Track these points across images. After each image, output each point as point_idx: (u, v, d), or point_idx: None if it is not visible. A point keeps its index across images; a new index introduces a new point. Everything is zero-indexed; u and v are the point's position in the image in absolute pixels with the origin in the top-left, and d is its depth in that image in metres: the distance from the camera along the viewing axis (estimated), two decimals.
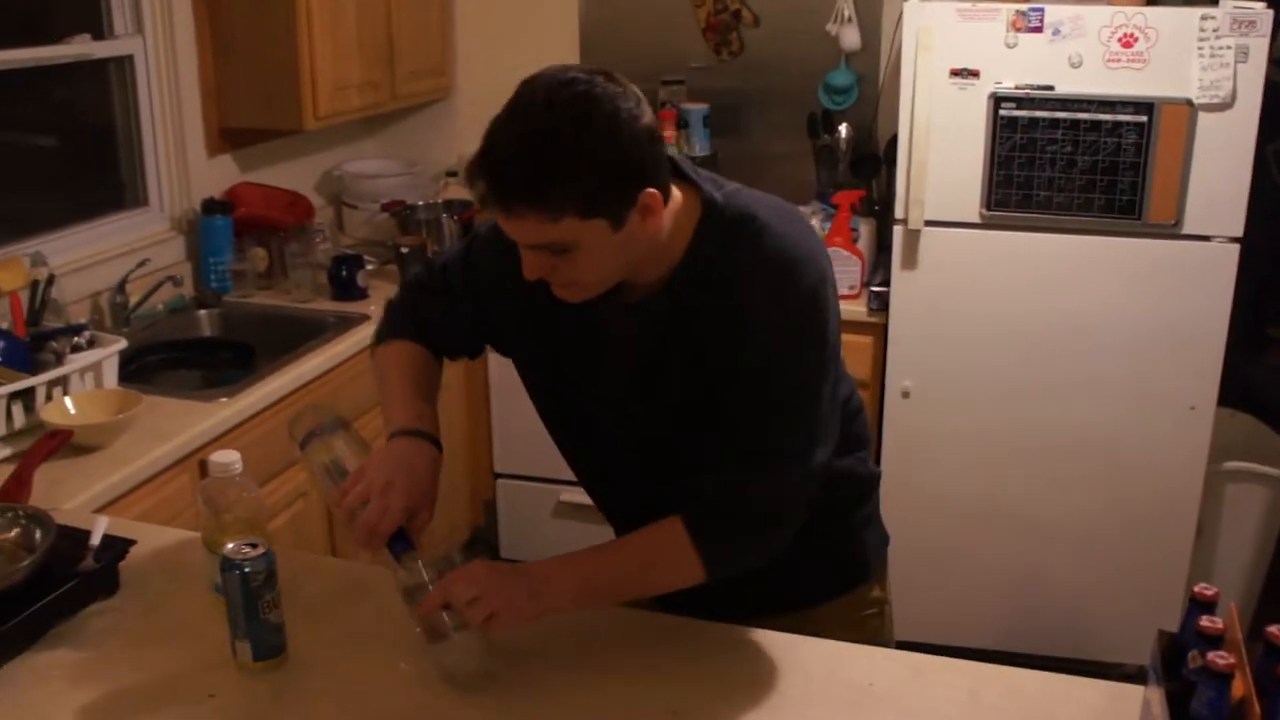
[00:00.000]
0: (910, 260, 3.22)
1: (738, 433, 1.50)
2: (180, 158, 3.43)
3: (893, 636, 1.85)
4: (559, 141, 1.33)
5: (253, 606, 1.50)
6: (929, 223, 3.17)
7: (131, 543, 1.76)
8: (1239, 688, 1.19)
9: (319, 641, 1.60)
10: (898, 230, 3.22)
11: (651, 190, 1.39)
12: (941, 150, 3.12)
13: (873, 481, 1.82)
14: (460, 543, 3.92)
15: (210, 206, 3.43)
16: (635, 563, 1.55)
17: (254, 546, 1.51)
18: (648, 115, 1.40)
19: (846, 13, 3.76)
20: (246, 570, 1.49)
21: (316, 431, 1.66)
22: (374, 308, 3.36)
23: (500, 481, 3.89)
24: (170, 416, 2.56)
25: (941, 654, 1.61)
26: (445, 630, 1.46)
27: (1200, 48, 2.95)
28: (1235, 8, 2.94)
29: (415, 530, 1.56)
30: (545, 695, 1.49)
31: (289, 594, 1.58)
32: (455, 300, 1.76)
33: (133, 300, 3.15)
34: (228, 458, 1.64)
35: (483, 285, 1.72)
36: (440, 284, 1.79)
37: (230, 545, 1.52)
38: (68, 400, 2.46)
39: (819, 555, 1.67)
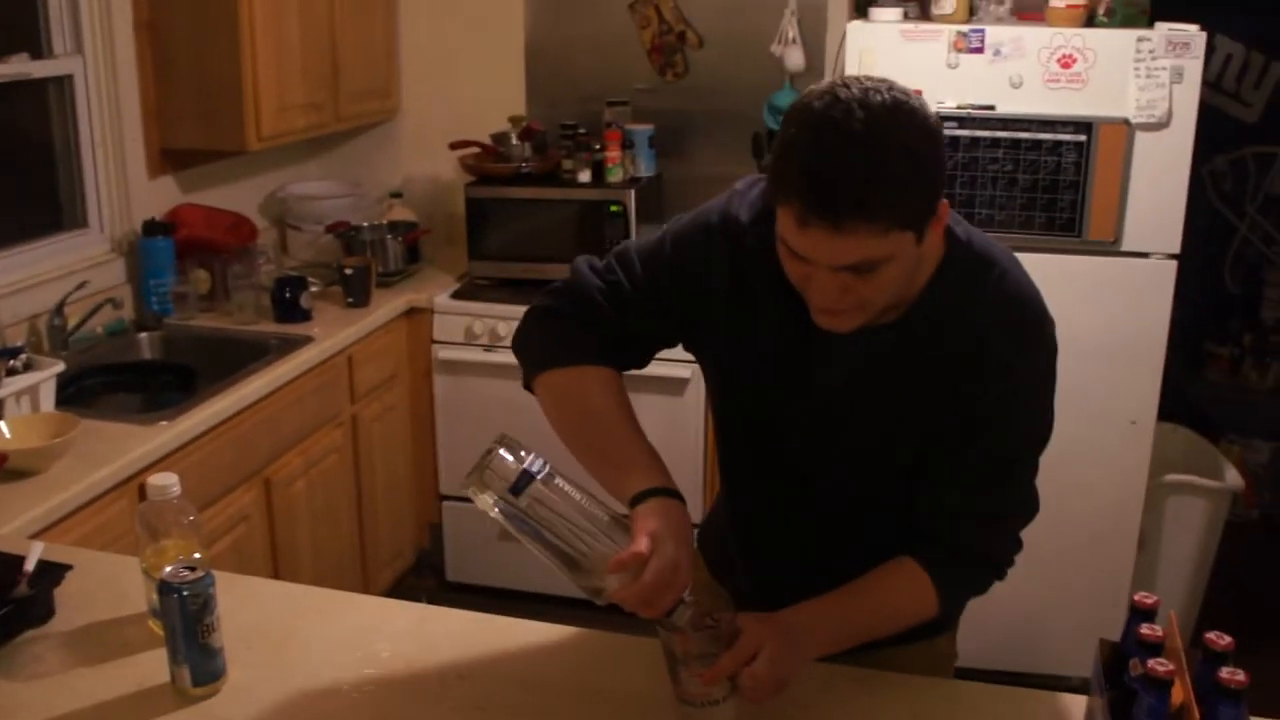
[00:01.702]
0: None
1: (978, 483, 1.51)
2: (121, 178, 3.39)
3: None
4: (891, 149, 1.28)
5: (191, 631, 1.48)
6: None
7: (68, 568, 1.72)
8: (1179, 694, 1.20)
9: (261, 666, 1.57)
10: None
11: (944, 200, 1.37)
12: None
13: None
14: (408, 566, 3.88)
15: (151, 228, 3.39)
16: (883, 611, 1.53)
17: (192, 570, 1.49)
18: (939, 124, 1.35)
19: (791, 34, 3.79)
20: (185, 594, 1.46)
21: (530, 477, 1.44)
22: (317, 329, 3.33)
23: (446, 503, 3.86)
24: (109, 440, 2.52)
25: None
26: (716, 697, 1.38)
27: (1137, 68, 3.00)
28: (1170, 30, 2.99)
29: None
30: None
31: (230, 618, 1.55)
32: (645, 310, 1.61)
33: (71, 323, 3.09)
34: (165, 480, 1.61)
35: (689, 291, 1.58)
36: (619, 297, 1.61)
37: (168, 569, 1.49)
38: (2, 424, 2.42)
39: None
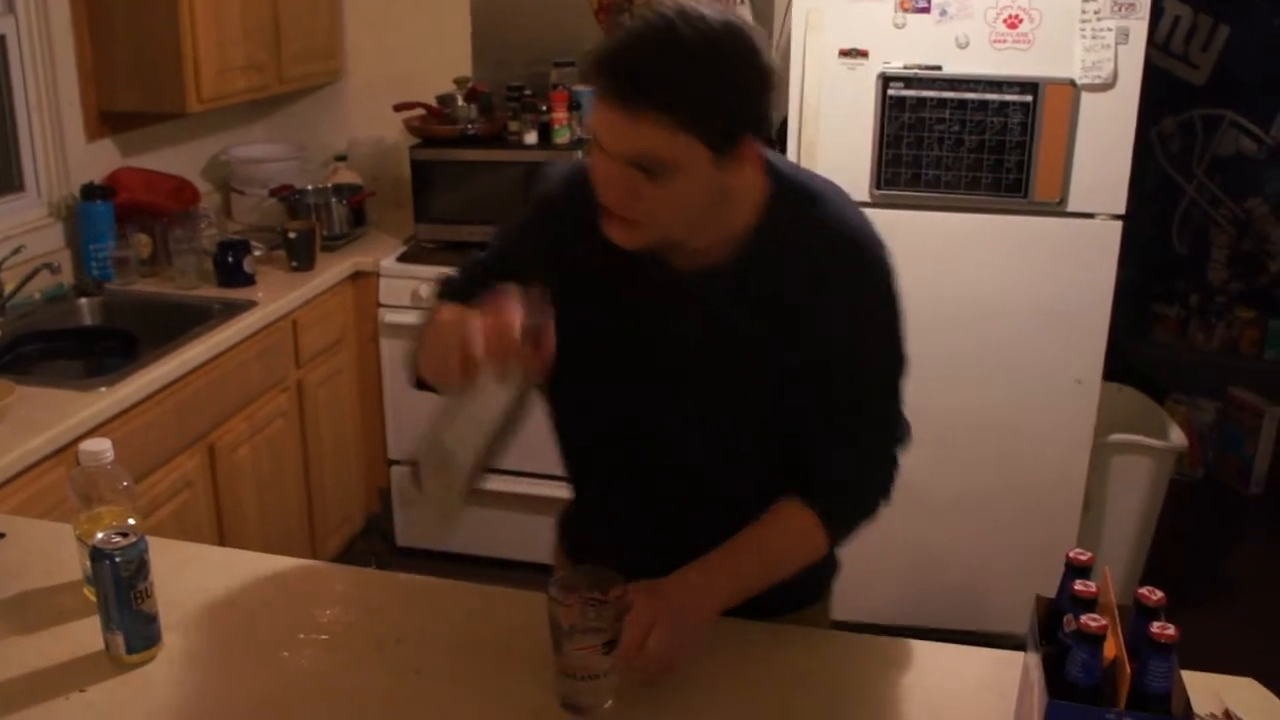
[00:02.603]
0: None
1: (848, 419, 1.52)
2: (58, 141, 3.32)
3: None
4: (706, 50, 1.29)
5: (124, 597, 1.45)
6: None
7: (0, 536, 1.70)
8: (1111, 649, 1.21)
9: (197, 632, 1.55)
10: None
11: (757, 144, 1.38)
12: (831, 130, 3.14)
13: None
14: (357, 531, 3.87)
15: (90, 192, 3.32)
16: (775, 558, 1.53)
17: (124, 535, 1.46)
18: (774, 66, 1.36)
19: None
20: (117, 560, 1.44)
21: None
22: (261, 293, 3.29)
23: (395, 468, 3.84)
24: (46, 407, 2.48)
25: (831, 629, 1.62)
26: (598, 671, 1.37)
27: (1083, 29, 3.00)
28: None
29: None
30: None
31: (167, 584, 1.54)
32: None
33: (8, 289, 3.04)
34: (98, 446, 1.58)
35: (535, 257, 1.58)
36: (476, 274, 1.62)
37: (100, 535, 1.47)
38: None
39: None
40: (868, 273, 1.50)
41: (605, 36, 1.35)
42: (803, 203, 1.49)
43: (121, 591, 1.45)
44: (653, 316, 1.53)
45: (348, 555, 3.76)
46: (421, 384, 1.57)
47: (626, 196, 1.36)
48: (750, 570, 1.51)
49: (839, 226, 1.49)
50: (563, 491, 1.78)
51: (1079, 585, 1.26)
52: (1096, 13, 2.99)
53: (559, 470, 1.75)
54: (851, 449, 1.54)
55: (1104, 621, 1.18)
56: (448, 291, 1.65)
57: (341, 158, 4.11)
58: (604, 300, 1.54)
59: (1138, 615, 1.22)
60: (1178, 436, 3.58)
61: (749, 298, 1.48)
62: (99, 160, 3.47)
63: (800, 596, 1.71)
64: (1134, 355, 4.44)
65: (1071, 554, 1.32)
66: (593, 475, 1.73)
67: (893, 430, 1.57)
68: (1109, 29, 2.99)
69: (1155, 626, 1.17)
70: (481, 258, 1.67)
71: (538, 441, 1.73)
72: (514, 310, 1.33)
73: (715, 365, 1.52)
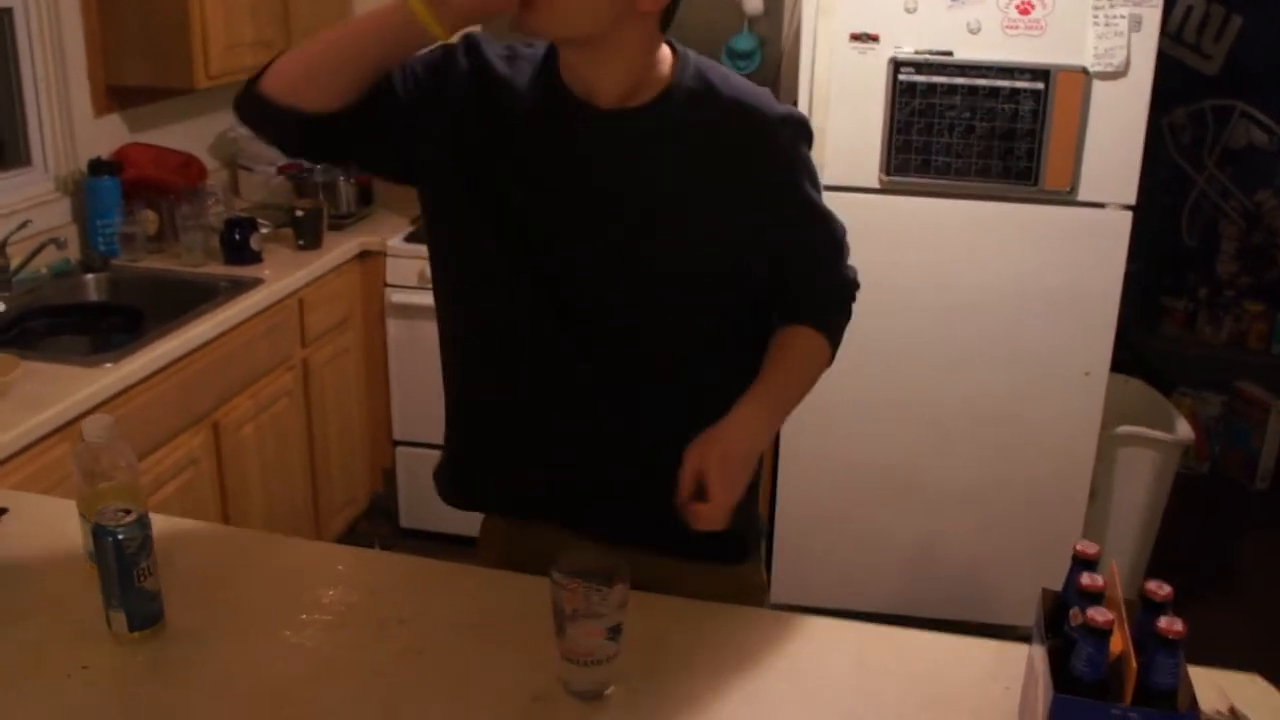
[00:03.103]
0: None
1: (813, 244, 1.64)
2: (65, 116, 3.31)
3: None
4: None
5: (127, 574, 1.45)
6: (829, 187, 3.08)
7: (3, 511, 1.70)
8: (1118, 643, 1.20)
9: (200, 610, 1.55)
10: None
11: None
12: (842, 115, 3.12)
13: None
14: (361, 512, 3.87)
15: (97, 167, 3.31)
16: (804, 380, 1.64)
17: (128, 512, 1.46)
18: None
19: None
20: (120, 537, 1.43)
21: None
22: (268, 271, 3.28)
23: (400, 449, 3.84)
24: (51, 382, 2.47)
25: (837, 618, 1.61)
26: (600, 656, 1.37)
27: (1095, 16, 2.98)
28: None
29: None
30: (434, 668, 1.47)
31: (170, 562, 1.53)
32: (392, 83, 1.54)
33: (14, 263, 3.03)
34: (101, 423, 1.58)
35: (444, 90, 1.55)
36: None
37: (103, 511, 1.46)
38: None
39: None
40: (783, 118, 1.56)
41: None
42: (705, 71, 1.55)
43: (124, 569, 1.45)
44: (569, 155, 1.54)
45: (352, 536, 3.76)
46: (257, 103, 1.54)
47: None
48: (787, 399, 1.60)
49: (744, 89, 1.56)
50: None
51: (1086, 578, 1.25)
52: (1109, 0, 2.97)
53: None
54: (822, 267, 1.66)
55: (1111, 616, 1.18)
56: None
57: None
58: (519, 146, 1.54)
59: (1145, 610, 1.22)
60: (1184, 429, 3.57)
61: (672, 144, 1.52)
62: (106, 135, 3.45)
63: (718, 545, 1.62)
64: (1142, 347, 4.43)
65: (1078, 547, 1.31)
66: (497, 370, 1.68)
67: (835, 235, 1.67)
68: (1122, 16, 2.97)
69: (1163, 621, 1.16)
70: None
71: None
72: None
73: (634, 208, 1.53)
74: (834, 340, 1.67)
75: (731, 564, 1.74)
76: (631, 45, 1.48)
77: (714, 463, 1.42)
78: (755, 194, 1.54)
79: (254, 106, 1.54)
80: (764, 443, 1.53)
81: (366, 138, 1.55)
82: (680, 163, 1.52)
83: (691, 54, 1.57)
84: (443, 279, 1.69)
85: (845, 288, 1.70)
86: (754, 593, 1.78)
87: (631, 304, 1.56)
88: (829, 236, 1.66)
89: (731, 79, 1.57)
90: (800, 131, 1.59)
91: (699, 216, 1.53)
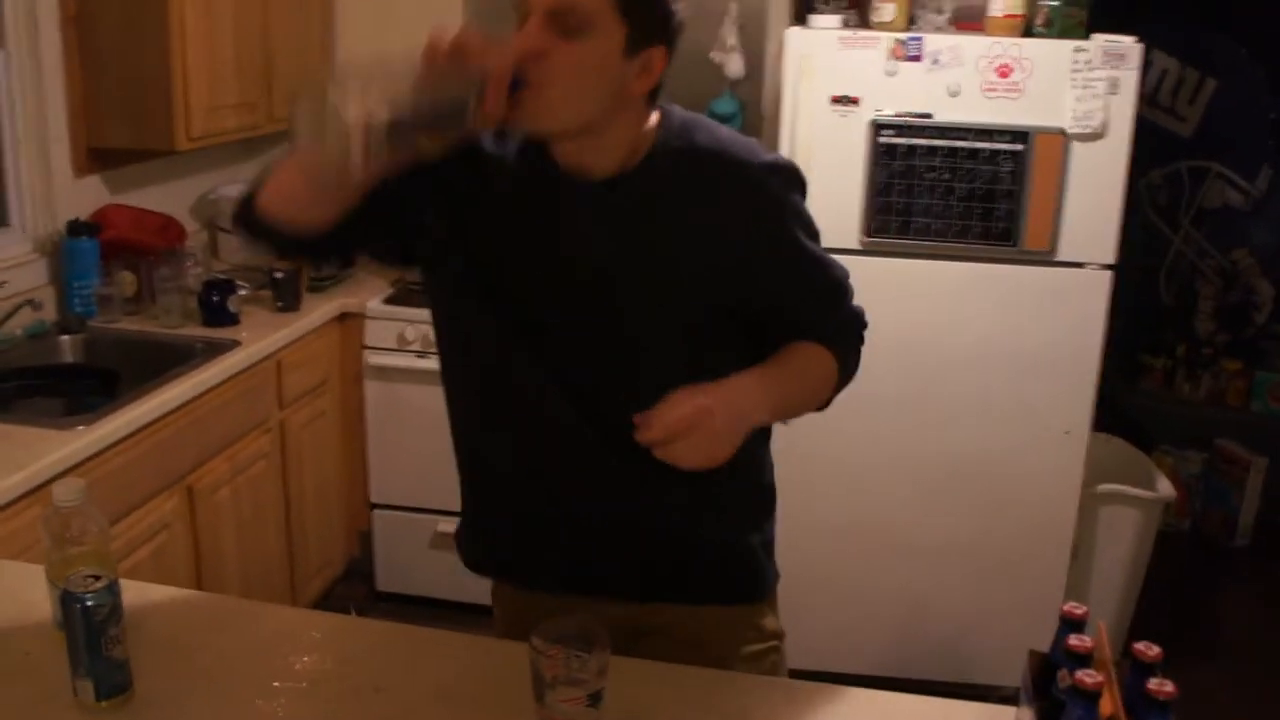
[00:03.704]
0: None
1: (816, 286, 1.63)
2: (44, 177, 3.30)
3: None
4: None
5: (95, 642, 1.42)
6: None
7: None
8: (1107, 705, 1.18)
9: (169, 679, 1.51)
10: None
11: (663, 53, 1.44)
12: (823, 176, 3.13)
13: (773, 497, 1.78)
14: (337, 575, 3.82)
15: (76, 228, 3.30)
16: (807, 380, 1.62)
17: (97, 579, 1.43)
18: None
19: (731, 41, 3.78)
20: (89, 604, 1.40)
21: None
22: (246, 333, 3.26)
23: (376, 512, 3.80)
24: (23, 445, 2.44)
25: (820, 680, 1.59)
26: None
27: (1074, 79, 3.01)
28: (1106, 41, 3.01)
29: None
30: None
31: (140, 629, 1.50)
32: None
33: None
34: (72, 487, 1.55)
35: (438, 178, 1.50)
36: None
37: (71, 578, 1.43)
38: None
39: (718, 543, 1.67)
40: (770, 168, 1.55)
41: None
42: (687, 123, 1.55)
43: (92, 636, 1.41)
44: (561, 230, 1.53)
45: (328, 600, 3.71)
46: (255, 224, 1.49)
47: (537, 52, 1.37)
48: (789, 388, 1.57)
49: (729, 135, 1.56)
50: None
51: (1074, 640, 1.24)
52: (1088, 63, 3.00)
53: None
54: (823, 308, 1.65)
55: (1100, 677, 1.16)
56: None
57: None
58: (512, 223, 1.54)
59: (1134, 671, 1.20)
60: (1165, 487, 3.56)
61: (657, 210, 1.51)
62: (86, 197, 3.44)
63: (736, 584, 1.72)
64: (1122, 405, 4.43)
65: (1066, 608, 1.30)
66: (503, 440, 1.66)
67: (848, 286, 1.68)
68: (1100, 79, 3.00)
69: (1153, 683, 1.14)
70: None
71: None
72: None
73: (629, 277, 1.52)
74: (842, 360, 1.65)
75: (746, 603, 1.73)
76: (622, 126, 1.49)
77: (704, 426, 1.39)
78: (748, 246, 1.53)
79: (252, 225, 1.51)
80: (755, 415, 1.49)
81: (365, 240, 1.57)
82: (672, 224, 1.52)
83: (676, 110, 1.57)
84: (444, 346, 1.68)
85: (851, 322, 1.70)
86: (770, 639, 1.76)
87: (631, 369, 1.55)
88: (827, 279, 1.65)
89: (718, 132, 1.57)
90: (790, 179, 1.57)
91: (694, 276, 1.52)
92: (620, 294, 1.53)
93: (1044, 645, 1.38)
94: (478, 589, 3.97)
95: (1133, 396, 4.78)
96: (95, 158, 3.45)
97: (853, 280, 1.69)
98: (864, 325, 1.71)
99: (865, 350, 1.74)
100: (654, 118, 1.54)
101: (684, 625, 1.66)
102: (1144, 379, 4.92)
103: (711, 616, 1.69)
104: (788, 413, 1.60)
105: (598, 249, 1.52)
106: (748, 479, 1.69)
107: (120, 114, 3.34)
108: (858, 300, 1.70)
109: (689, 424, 1.38)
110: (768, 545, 1.77)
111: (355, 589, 3.85)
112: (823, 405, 1.68)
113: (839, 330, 1.67)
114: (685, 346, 1.55)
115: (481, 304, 1.57)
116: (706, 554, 1.66)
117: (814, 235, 1.62)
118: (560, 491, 1.63)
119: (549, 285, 1.54)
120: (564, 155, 1.51)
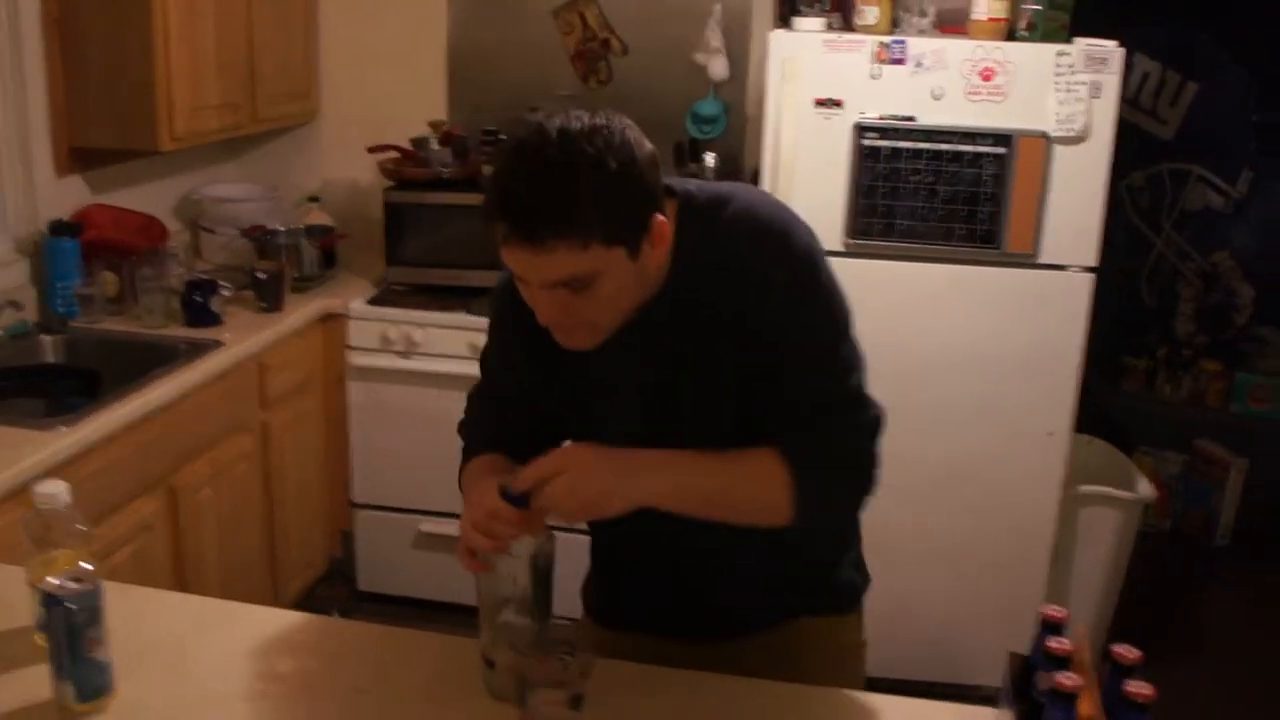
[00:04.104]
0: None
1: (799, 393, 1.49)
2: (26, 177, 3.28)
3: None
4: (582, 170, 1.33)
5: (76, 644, 1.42)
6: None
7: None
8: (1086, 707, 1.19)
9: (151, 681, 1.51)
10: None
11: (661, 217, 1.41)
12: (806, 179, 3.14)
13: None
14: (319, 576, 3.81)
15: (58, 228, 3.28)
16: (731, 475, 1.50)
17: (78, 581, 1.42)
18: (648, 144, 1.41)
19: (714, 43, 3.79)
20: (69, 606, 1.40)
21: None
22: (228, 334, 3.25)
23: (358, 511, 3.79)
24: (4, 446, 2.42)
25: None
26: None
27: (1057, 82, 3.03)
28: (1089, 45, 3.02)
29: None
30: None
31: (122, 631, 1.49)
32: (507, 397, 1.70)
33: None
34: (53, 488, 1.55)
35: (518, 363, 1.64)
36: (484, 409, 1.75)
37: (53, 580, 1.43)
38: None
39: (813, 569, 1.69)
40: (775, 246, 1.48)
41: (491, 171, 1.41)
42: (708, 214, 1.50)
43: (73, 639, 1.41)
44: (608, 370, 1.55)
45: (310, 600, 3.70)
46: None
47: (563, 314, 1.41)
48: (695, 467, 1.48)
49: (739, 216, 1.50)
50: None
51: (1053, 642, 1.24)
52: (1070, 66, 3.01)
53: None
54: (813, 428, 1.49)
55: (1079, 680, 1.17)
56: (467, 439, 1.74)
57: (314, 199, 4.08)
58: (566, 366, 1.56)
59: (1113, 673, 1.21)
60: (1145, 488, 3.58)
61: (689, 321, 1.50)
62: (68, 196, 3.43)
63: (822, 601, 1.73)
64: (1103, 406, 4.45)
65: (1046, 611, 1.31)
66: (604, 530, 1.73)
67: (855, 407, 1.53)
68: (1082, 83, 3.01)
69: (1131, 685, 1.15)
70: (479, 389, 1.76)
71: None
72: (492, 497, 1.42)
73: (679, 396, 1.53)
74: (803, 489, 1.47)
75: (834, 615, 1.75)
76: (650, 278, 1.47)
77: (574, 470, 1.42)
78: (763, 346, 1.49)
79: None
80: (643, 476, 1.45)
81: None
82: (697, 333, 1.50)
83: (692, 195, 1.52)
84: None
85: (839, 453, 1.51)
86: (859, 648, 1.79)
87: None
88: (825, 386, 1.51)
89: (737, 223, 1.49)
90: (802, 273, 1.49)
91: (727, 379, 1.51)
92: (662, 404, 1.54)
93: (1024, 646, 1.39)
94: (459, 589, 3.96)
95: (1114, 398, 4.80)
96: (77, 157, 3.43)
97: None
98: (862, 455, 1.52)
99: None
100: (674, 215, 1.49)
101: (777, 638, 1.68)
102: (1125, 380, 4.94)
103: (809, 626, 1.71)
104: (699, 499, 1.49)
105: (630, 372, 1.54)
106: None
107: (103, 114, 3.33)
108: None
109: (556, 467, 1.41)
110: (857, 561, 1.80)
111: (337, 589, 3.84)
112: (789, 521, 1.50)
113: (818, 434, 1.50)
114: (730, 436, 1.52)
115: (569, 419, 1.63)
116: (800, 579, 1.68)
117: (833, 322, 1.52)
118: (657, 546, 1.64)
119: (594, 407, 1.60)
120: None
